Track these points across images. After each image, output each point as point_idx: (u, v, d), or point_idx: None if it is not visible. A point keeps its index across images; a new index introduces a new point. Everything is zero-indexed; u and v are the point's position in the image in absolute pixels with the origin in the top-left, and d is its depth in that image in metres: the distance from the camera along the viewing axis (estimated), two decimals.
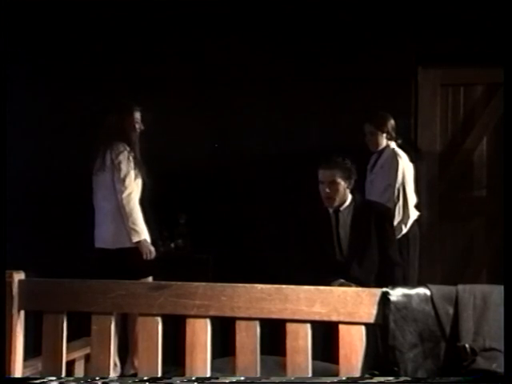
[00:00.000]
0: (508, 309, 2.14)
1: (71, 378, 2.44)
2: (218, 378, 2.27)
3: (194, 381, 2.27)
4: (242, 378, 2.27)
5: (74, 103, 5.81)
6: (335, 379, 2.25)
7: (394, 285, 2.31)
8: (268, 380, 2.26)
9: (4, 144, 2.84)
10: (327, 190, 4.25)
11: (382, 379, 2.16)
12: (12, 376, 2.40)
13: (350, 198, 4.33)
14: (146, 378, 2.30)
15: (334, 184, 4.24)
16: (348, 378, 2.24)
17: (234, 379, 2.26)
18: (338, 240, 4.30)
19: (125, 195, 4.69)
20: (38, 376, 2.45)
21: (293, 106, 5.68)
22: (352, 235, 4.30)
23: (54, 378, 2.35)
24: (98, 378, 2.32)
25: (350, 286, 3.94)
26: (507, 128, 2.48)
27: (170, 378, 2.28)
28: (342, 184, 4.27)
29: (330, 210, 4.33)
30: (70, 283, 2.48)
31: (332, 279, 4.06)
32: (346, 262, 4.27)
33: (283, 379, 2.27)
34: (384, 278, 4.14)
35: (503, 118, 2.48)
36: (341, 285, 4.03)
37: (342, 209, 4.32)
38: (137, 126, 4.84)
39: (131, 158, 4.74)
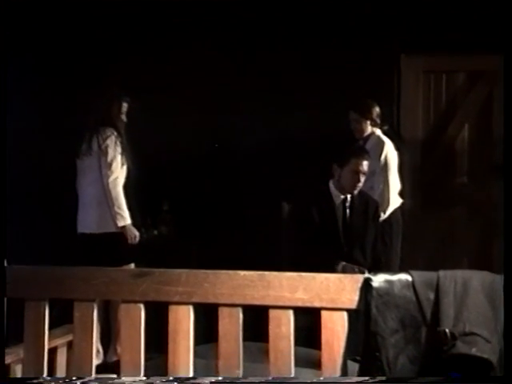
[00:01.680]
0: (508, 308, 2.15)
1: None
2: (196, 378, 2.28)
3: (174, 380, 2.28)
4: (220, 378, 2.28)
5: (60, 87, 5.77)
6: (314, 379, 2.26)
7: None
8: (248, 380, 2.28)
9: (4, 140, 2.80)
10: (361, 180, 4.41)
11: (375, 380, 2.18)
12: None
13: None
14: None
15: (365, 173, 4.43)
16: (326, 378, 2.25)
17: (213, 379, 2.27)
18: (344, 226, 4.42)
19: (111, 180, 4.69)
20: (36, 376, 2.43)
21: (277, 94, 5.67)
22: (354, 220, 4.46)
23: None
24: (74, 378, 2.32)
25: (353, 268, 4.07)
26: (507, 125, 2.48)
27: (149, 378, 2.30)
28: None
29: (337, 200, 4.44)
30: (52, 270, 2.47)
31: (336, 263, 4.22)
32: (349, 247, 4.41)
33: (262, 379, 2.28)
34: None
35: (504, 115, 2.47)
36: (344, 268, 4.17)
37: (350, 196, 4.45)
38: (122, 116, 4.85)
39: (118, 143, 4.74)
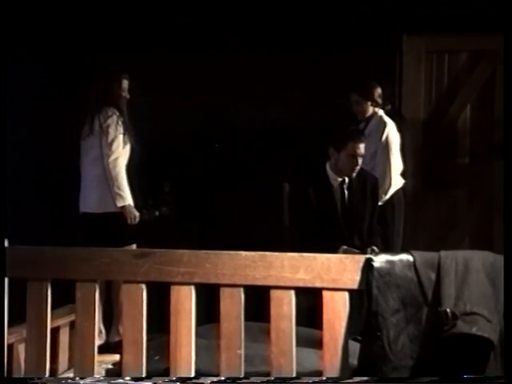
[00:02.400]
0: (508, 307, 2.15)
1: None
2: (198, 378, 2.30)
3: (176, 380, 2.30)
4: (222, 378, 2.30)
5: (60, 69, 5.75)
6: (315, 379, 2.28)
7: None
8: (249, 380, 2.29)
9: (5, 120, 2.79)
10: (359, 162, 4.38)
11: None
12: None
13: None
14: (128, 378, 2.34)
15: (363, 156, 4.41)
16: (328, 379, 2.27)
17: (214, 379, 2.29)
18: (343, 209, 4.41)
19: (111, 159, 4.68)
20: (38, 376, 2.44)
21: (278, 75, 5.65)
22: (353, 202, 4.44)
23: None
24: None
25: (353, 252, 4.07)
26: (508, 106, 2.46)
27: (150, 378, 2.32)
28: None
29: (335, 183, 4.42)
30: (54, 250, 2.48)
31: (337, 247, 4.18)
32: (349, 230, 4.40)
33: (264, 379, 2.30)
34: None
35: (505, 95, 2.46)
36: (345, 251, 4.15)
37: (347, 179, 4.43)
38: (123, 94, 4.83)
39: (120, 123, 4.72)
